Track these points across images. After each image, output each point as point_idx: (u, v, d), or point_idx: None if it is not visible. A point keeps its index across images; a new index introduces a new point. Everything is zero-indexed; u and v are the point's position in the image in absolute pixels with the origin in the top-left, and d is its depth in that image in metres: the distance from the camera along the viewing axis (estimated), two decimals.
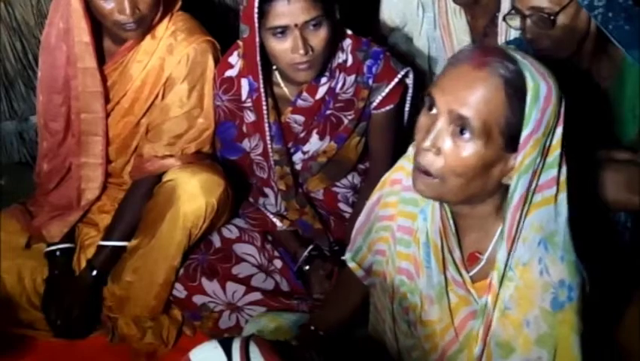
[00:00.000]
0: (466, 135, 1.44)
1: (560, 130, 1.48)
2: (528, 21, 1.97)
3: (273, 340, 1.50)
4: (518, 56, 1.47)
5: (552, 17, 1.93)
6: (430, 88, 1.51)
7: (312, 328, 1.86)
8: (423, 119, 1.51)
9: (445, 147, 1.46)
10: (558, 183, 1.51)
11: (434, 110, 1.48)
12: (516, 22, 2.00)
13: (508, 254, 1.51)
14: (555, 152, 1.49)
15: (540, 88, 1.44)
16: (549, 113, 1.45)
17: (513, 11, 2.00)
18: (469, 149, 1.45)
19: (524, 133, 1.44)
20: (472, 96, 1.43)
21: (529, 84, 1.43)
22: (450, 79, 1.48)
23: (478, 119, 1.43)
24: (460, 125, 1.44)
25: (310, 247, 2.38)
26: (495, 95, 1.43)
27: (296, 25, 2.07)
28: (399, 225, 1.72)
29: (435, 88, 1.49)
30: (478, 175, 1.47)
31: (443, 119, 1.46)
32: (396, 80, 2.29)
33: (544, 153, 1.48)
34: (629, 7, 1.97)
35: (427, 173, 1.49)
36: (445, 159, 1.46)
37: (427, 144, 1.47)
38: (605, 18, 1.93)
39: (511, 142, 1.45)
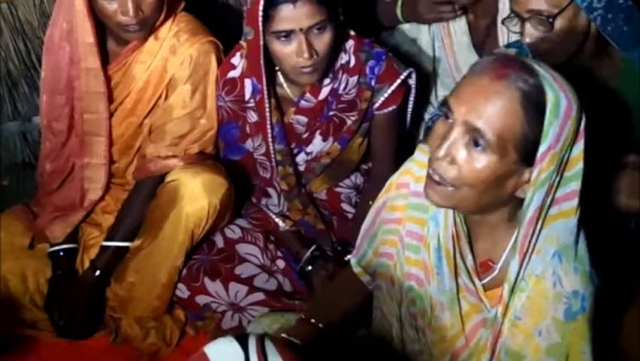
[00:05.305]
0: (480, 147, 1.43)
1: (581, 144, 1.47)
2: (527, 24, 1.96)
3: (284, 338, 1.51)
4: (540, 69, 1.45)
5: (551, 20, 1.92)
6: (448, 96, 1.50)
7: (312, 320, 1.85)
8: (439, 127, 1.49)
9: (459, 157, 1.45)
10: (579, 196, 1.50)
11: (450, 119, 1.47)
12: (515, 25, 2.00)
13: (520, 267, 1.50)
14: (577, 166, 1.48)
15: (560, 102, 1.42)
16: (568, 128, 1.43)
17: (512, 15, 2.00)
18: (483, 161, 1.43)
19: (542, 148, 1.42)
20: (489, 109, 1.42)
21: (550, 98, 1.41)
22: (468, 89, 1.46)
23: (493, 133, 1.41)
24: (475, 136, 1.43)
25: (313, 247, 2.39)
26: (512, 108, 1.41)
27: (301, 30, 2.07)
28: (407, 230, 1.70)
29: (452, 96, 1.48)
30: (491, 187, 1.46)
31: (458, 129, 1.45)
32: (398, 81, 2.30)
33: (561, 167, 1.46)
34: (629, 8, 1.97)
35: (440, 183, 1.49)
36: (458, 168, 1.45)
37: (442, 153, 1.46)
38: (605, 20, 1.92)
39: (527, 156, 1.44)
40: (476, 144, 1.43)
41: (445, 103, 1.49)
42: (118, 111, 2.39)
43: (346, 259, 2.27)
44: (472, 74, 1.48)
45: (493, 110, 1.42)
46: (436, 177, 1.49)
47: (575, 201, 1.49)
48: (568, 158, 1.47)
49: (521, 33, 2.00)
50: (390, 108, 2.34)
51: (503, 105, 1.41)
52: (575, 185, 1.49)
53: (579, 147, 1.47)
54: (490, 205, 1.51)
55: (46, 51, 2.37)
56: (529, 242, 1.49)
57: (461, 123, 1.44)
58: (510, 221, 1.54)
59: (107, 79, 2.34)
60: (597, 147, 1.83)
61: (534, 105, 1.42)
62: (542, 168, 1.43)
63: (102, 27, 2.30)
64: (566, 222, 1.50)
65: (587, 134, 1.48)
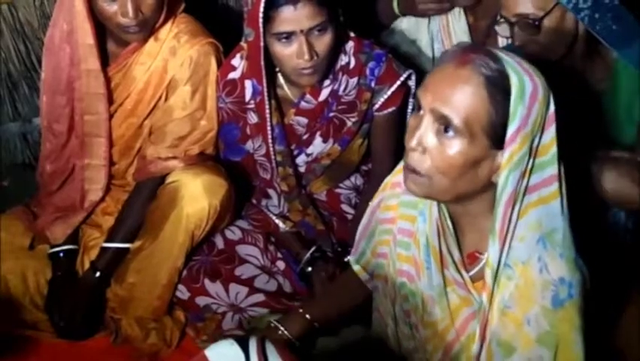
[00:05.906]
0: (450, 133, 1.46)
1: (552, 129, 1.49)
2: (515, 28, 1.99)
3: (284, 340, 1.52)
4: (503, 55, 1.48)
5: (537, 23, 1.94)
6: (417, 89, 1.53)
7: (300, 310, 1.86)
8: (411, 121, 1.53)
9: (430, 145, 1.48)
10: (559, 181, 1.51)
11: (421, 111, 1.50)
12: (505, 30, 2.02)
13: (500, 252, 1.51)
14: (550, 150, 1.50)
15: (525, 85, 1.45)
16: (536, 110, 1.46)
17: (501, 19, 2.02)
18: (454, 147, 1.46)
19: (510, 129, 1.44)
20: (454, 95, 1.45)
21: (514, 81, 1.44)
22: (433, 78, 1.50)
23: (460, 118, 1.44)
24: (444, 123, 1.46)
25: (313, 248, 2.38)
26: (477, 93, 1.44)
27: (301, 31, 2.08)
28: (399, 227, 1.73)
29: (420, 88, 1.52)
30: (465, 173, 1.48)
31: (427, 118, 1.48)
32: (398, 82, 2.30)
33: (534, 152, 1.48)
34: (616, 7, 1.99)
35: (415, 172, 1.51)
36: (430, 157, 1.48)
37: (414, 143, 1.48)
38: (592, 19, 1.94)
39: (497, 140, 1.46)
40: (446, 131, 1.46)
41: (415, 96, 1.51)
42: (118, 112, 2.39)
43: (346, 260, 2.28)
44: (438, 65, 1.51)
45: (458, 96, 1.44)
46: (411, 167, 1.51)
47: (554, 186, 1.51)
48: (539, 143, 1.48)
49: (511, 37, 2.02)
50: (390, 109, 2.34)
51: (468, 90, 1.44)
52: (552, 170, 1.50)
53: (550, 133, 1.49)
54: (467, 193, 1.52)
55: (47, 52, 2.37)
56: (508, 226, 1.50)
57: (429, 112, 1.47)
58: (492, 211, 1.54)
59: (107, 80, 2.34)
60: (586, 144, 1.84)
61: (499, 89, 1.44)
62: (514, 148, 1.45)
63: (102, 28, 2.30)
64: (547, 207, 1.51)
65: (569, 127, 1.50)
